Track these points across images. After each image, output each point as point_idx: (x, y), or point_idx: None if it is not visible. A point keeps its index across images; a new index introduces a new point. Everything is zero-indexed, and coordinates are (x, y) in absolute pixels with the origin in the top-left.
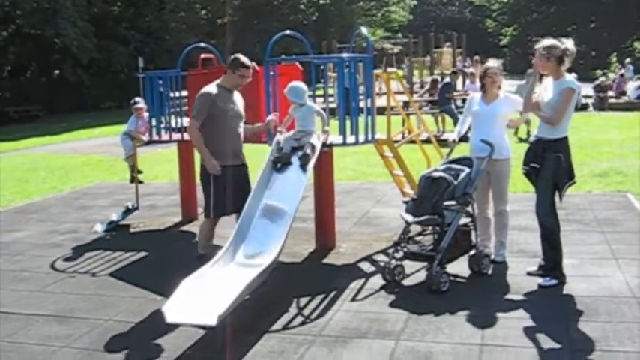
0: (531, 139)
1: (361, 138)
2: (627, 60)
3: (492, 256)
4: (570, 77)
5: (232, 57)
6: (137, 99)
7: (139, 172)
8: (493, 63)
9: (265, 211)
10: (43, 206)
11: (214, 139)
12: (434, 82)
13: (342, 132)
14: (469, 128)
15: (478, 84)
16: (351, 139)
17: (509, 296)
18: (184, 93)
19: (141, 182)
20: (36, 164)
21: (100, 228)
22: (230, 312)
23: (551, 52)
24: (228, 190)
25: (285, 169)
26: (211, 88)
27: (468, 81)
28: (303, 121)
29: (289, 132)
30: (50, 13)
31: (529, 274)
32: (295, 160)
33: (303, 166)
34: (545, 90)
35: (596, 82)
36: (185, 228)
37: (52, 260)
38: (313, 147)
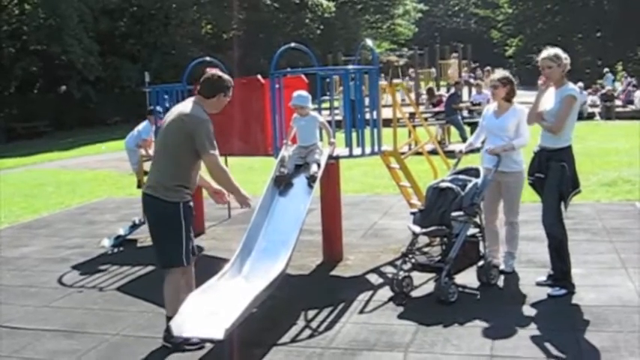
0: (535, 148)
1: (367, 150)
2: (605, 69)
3: (501, 267)
4: (572, 85)
5: (214, 76)
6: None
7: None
8: (498, 74)
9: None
10: (50, 221)
11: (192, 172)
12: (430, 90)
13: (349, 144)
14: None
15: (485, 94)
16: (357, 150)
17: (518, 307)
18: None
19: None
20: (43, 180)
21: (107, 243)
22: (237, 325)
23: (559, 60)
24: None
25: (288, 189)
26: (203, 112)
27: (474, 92)
28: (305, 132)
29: (293, 145)
30: (56, 29)
31: (538, 284)
32: (299, 181)
33: (309, 185)
34: (547, 99)
35: (602, 91)
36: None
37: (60, 275)
38: (319, 165)
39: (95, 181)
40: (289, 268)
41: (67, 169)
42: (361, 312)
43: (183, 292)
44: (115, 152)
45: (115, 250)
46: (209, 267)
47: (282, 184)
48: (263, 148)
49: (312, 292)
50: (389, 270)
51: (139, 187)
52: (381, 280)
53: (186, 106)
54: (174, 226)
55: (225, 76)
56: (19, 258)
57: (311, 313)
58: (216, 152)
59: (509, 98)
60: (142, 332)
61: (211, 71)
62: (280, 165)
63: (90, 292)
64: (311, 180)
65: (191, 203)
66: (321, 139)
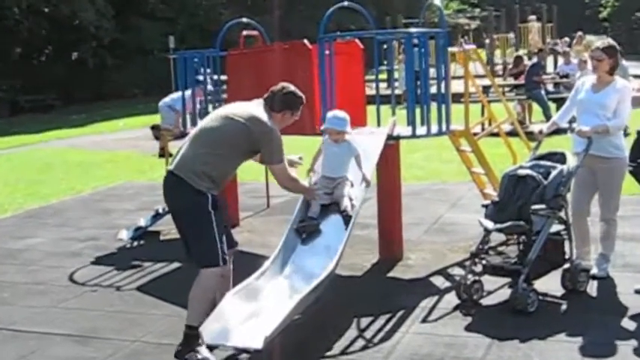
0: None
1: (434, 129)
2: None
3: (592, 271)
4: None
5: (287, 90)
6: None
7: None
8: (601, 42)
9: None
10: (59, 209)
11: (227, 167)
12: (518, 59)
13: (411, 122)
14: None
15: (573, 65)
16: (421, 130)
17: (613, 319)
18: (224, 77)
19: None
20: (51, 161)
21: (125, 235)
22: (278, 334)
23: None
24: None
25: (313, 238)
26: (271, 121)
27: (560, 61)
28: (336, 162)
29: (313, 173)
30: None
31: (637, 292)
32: (327, 228)
33: (345, 224)
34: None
35: None
36: None
37: (71, 272)
38: (351, 198)
39: (112, 163)
40: (339, 268)
41: (78, 148)
42: (424, 321)
43: (218, 294)
44: (134, 130)
45: (135, 243)
46: (245, 265)
47: (307, 233)
48: (310, 125)
49: (365, 297)
50: (456, 272)
51: (161, 155)
52: (447, 284)
53: (255, 108)
54: (205, 219)
55: (299, 93)
56: (24, 251)
57: (364, 321)
58: (285, 163)
59: (612, 71)
60: (165, 339)
61: (285, 84)
62: (305, 209)
63: (106, 292)
64: (345, 221)
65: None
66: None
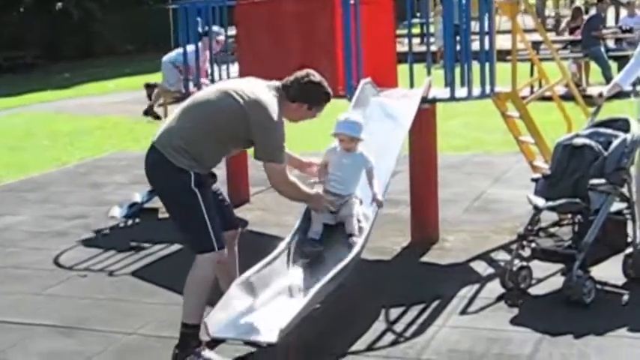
0: None
1: (476, 91)
2: None
3: None
4: None
5: (312, 79)
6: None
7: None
8: None
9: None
10: (42, 183)
11: (212, 151)
12: (576, 11)
13: (450, 83)
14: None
15: (639, 17)
16: (461, 92)
17: None
18: (232, 32)
19: (158, 117)
20: (33, 128)
21: (118, 212)
22: (295, 326)
23: None
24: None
25: (317, 263)
26: (278, 110)
27: (623, 13)
28: (346, 176)
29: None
30: None
31: None
32: (331, 255)
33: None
34: None
35: None
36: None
37: (56, 254)
38: (360, 224)
39: (101, 130)
40: (365, 251)
41: (63, 113)
42: (463, 312)
43: (224, 282)
44: (127, 92)
45: (129, 222)
46: (256, 247)
47: (310, 259)
48: (331, 86)
49: (396, 285)
50: (501, 257)
51: (146, 113)
52: (490, 271)
53: (263, 91)
54: (189, 199)
55: (325, 86)
56: (2, 230)
57: (394, 313)
58: (285, 164)
59: None
60: (164, 331)
61: (311, 72)
62: (304, 227)
63: (96, 278)
64: (350, 242)
65: (205, 174)
66: None
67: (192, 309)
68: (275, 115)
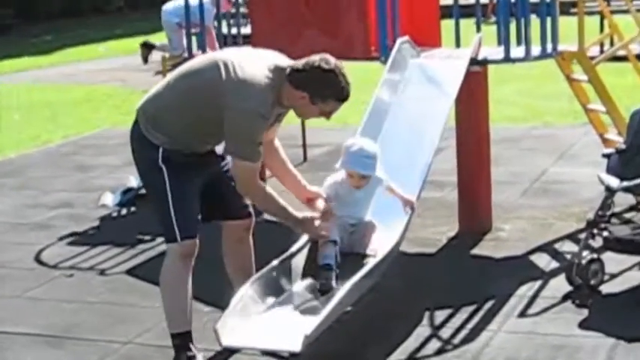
0: None
1: (534, 50)
2: None
3: None
4: None
5: (327, 68)
6: None
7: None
8: None
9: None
10: (20, 166)
11: (190, 132)
12: None
13: (504, 41)
14: None
15: None
16: (517, 51)
17: None
18: None
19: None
20: (8, 100)
21: (110, 200)
22: (322, 332)
23: None
24: (193, 189)
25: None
26: (266, 96)
27: None
28: (358, 206)
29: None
30: None
31: None
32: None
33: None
34: None
35: None
36: None
37: (38, 250)
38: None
39: (89, 103)
40: (405, 243)
41: (44, 83)
42: (522, 315)
43: (237, 280)
44: (119, 57)
45: (123, 211)
46: (273, 239)
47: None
48: (362, 46)
49: (441, 282)
50: (566, 248)
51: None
52: (553, 265)
53: (256, 68)
54: (155, 180)
55: (336, 81)
56: None
57: (440, 315)
58: (256, 165)
59: None
60: (165, 340)
61: (327, 57)
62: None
63: (85, 277)
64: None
65: (181, 153)
66: None
67: (171, 315)
68: (255, 102)
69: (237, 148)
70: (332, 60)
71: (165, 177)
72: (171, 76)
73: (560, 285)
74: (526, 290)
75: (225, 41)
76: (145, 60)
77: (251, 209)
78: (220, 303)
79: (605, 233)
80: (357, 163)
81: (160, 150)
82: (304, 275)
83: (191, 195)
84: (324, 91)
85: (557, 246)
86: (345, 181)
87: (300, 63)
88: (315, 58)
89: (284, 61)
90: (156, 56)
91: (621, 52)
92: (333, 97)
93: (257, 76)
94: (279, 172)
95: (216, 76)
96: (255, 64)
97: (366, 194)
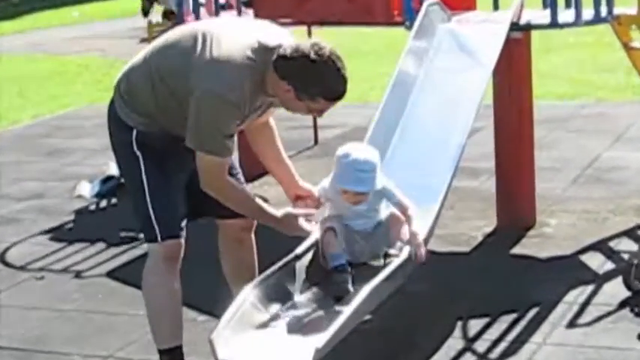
0: None
1: (586, 14)
2: None
3: None
4: None
5: (304, 54)
6: None
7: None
8: None
9: None
10: None
11: (163, 112)
12: None
13: (550, 3)
14: None
15: None
16: (566, 15)
17: None
18: None
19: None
20: None
21: (87, 190)
22: (337, 345)
23: None
24: (175, 181)
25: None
26: (233, 85)
27: None
28: (363, 219)
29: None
30: None
31: None
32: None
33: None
34: None
35: None
36: None
37: (4, 248)
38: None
39: (62, 77)
40: (434, 240)
41: (10, 54)
42: (571, 324)
43: (236, 284)
44: (96, 22)
45: (103, 203)
46: (278, 237)
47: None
48: (383, 9)
49: (476, 287)
50: (624, 247)
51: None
52: (608, 266)
53: (235, 47)
54: (130, 168)
55: (327, 76)
56: None
57: (475, 325)
58: (225, 160)
59: None
60: (152, 353)
61: (317, 42)
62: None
63: (58, 280)
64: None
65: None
66: None
67: (156, 328)
68: (225, 85)
69: (199, 139)
70: (326, 48)
71: (141, 165)
72: (151, 45)
73: (616, 290)
74: (576, 296)
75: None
76: (145, 14)
77: None
78: (216, 310)
79: None
80: (350, 179)
81: (134, 133)
82: (314, 278)
83: (173, 187)
84: (311, 87)
85: (612, 244)
86: (340, 200)
87: (289, 47)
88: (307, 45)
89: (276, 39)
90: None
91: None
92: (321, 95)
93: (234, 56)
94: (268, 158)
95: (190, 49)
96: (237, 40)
97: (368, 207)
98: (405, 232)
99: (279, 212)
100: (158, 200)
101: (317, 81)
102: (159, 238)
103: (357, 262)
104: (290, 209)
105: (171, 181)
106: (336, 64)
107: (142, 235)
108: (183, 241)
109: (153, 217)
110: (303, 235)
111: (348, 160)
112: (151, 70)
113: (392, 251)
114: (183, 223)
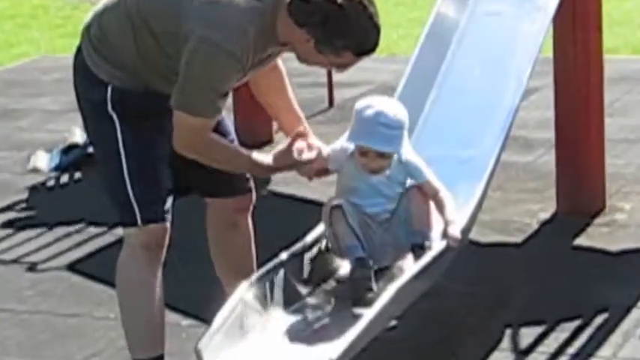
0: None
1: None
2: None
3: None
4: None
5: (339, 1)
6: None
7: None
8: None
9: None
10: None
11: (159, 65)
12: None
13: None
14: None
15: None
16: None
17: None
18: None
19: None
20: None
21: (44, 162)
22: (356, 353)
23: None
24: (158, 150)
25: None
26: (241, 26)
27: None
28: (378, 194)
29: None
30: None
31: None
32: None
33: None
34: None
35: None
36: None
37: None
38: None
39: (14, 21)
40: (477, 228)
41: None
42: None
43: (228, 279)
44: None
45: (65, 177)
46: (284, 221)
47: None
48: None
49: (529, 286)
50: None
51: None
52: None
53: None
54: (102, 131)
55: (365, 29)
56: None
57: (528, 334)
58: (209, 121)
59: None
60: None
61: None
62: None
63: (10, 274)
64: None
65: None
66: None
67: (133, 334)
68: (224, 33)
69: (184, 97)
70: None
71: (117, 129)
72: None
73: None
74: None
75: None
76: None
77: (251, 182)
78: (205, 313)
79: None
80: (373, 135)
81: (109, 89)
82: (325, 274)
83: (157, 158)
84: (337, 38)
85: None
86: (355, 164)
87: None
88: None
89: None
90: None
91: None
92: (349, 48)
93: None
94: (277, 109)
95: (174, 8)
96: None
97: (389, 181)
98: (434, 220)
99: (268, 156)
100: (138, 174)
101: (344, 31)
102: (139, 222)
103: (380, 261)
104: (280, 147)
105: (154, 149)
106: (368, 9)
107: (115, 218)
108: (168, 225)
109: (131, 195)
110: (302, 167)
111: (370, 112)
112: (130, 10)
113: (426, 243)
114: (169, 203)
